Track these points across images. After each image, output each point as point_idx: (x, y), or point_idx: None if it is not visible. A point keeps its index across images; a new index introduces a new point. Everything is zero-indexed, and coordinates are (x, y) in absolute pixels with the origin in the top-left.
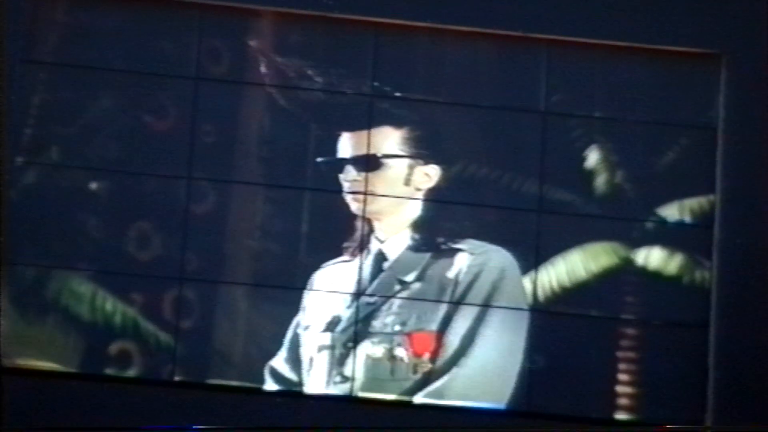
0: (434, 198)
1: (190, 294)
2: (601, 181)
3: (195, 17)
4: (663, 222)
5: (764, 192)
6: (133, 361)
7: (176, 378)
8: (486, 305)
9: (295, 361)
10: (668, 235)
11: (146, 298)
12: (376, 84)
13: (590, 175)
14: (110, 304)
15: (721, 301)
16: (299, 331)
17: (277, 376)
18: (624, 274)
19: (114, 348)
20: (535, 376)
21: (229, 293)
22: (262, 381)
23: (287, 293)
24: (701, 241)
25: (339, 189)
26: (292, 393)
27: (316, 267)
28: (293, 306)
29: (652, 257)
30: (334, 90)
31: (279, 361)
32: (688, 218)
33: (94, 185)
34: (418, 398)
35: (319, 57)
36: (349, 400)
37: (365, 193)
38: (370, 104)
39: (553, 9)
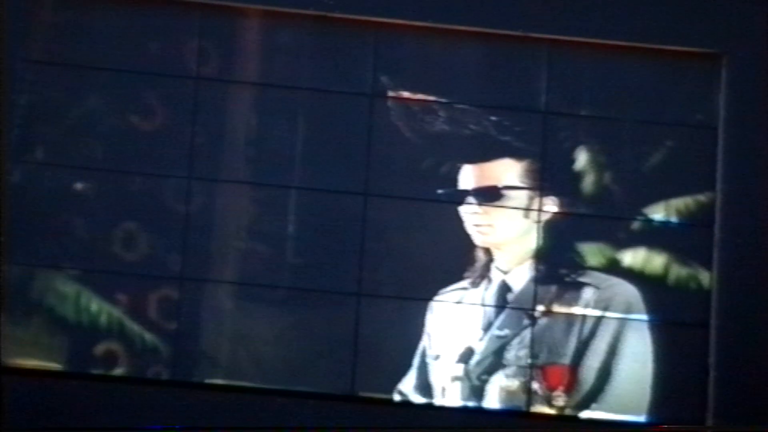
0: (554, 229)
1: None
2: (599, 182)
3: (195, 17)
4: (663, 222)
5: (765, 192)
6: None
7: (177, 378)
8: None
9: (425, 389)
10: (669, 235)
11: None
12: (376, 84)
13: (590, 175)
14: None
15: (721, 301)
16: (428, 360)
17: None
18: (625, 275)
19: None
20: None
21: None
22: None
23: (410, 320)
24: (701, 240)
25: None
26: (293, 393)
27: (435, 293)
28: (417, 331)
29: (652, 257)
30: (333, 90)
31: (408, 387)
32: (689, 218)
33: (96, 185)
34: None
35: (319, 57)
36: (350, 400)
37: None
38: (371, 104)
39: (555, 9)
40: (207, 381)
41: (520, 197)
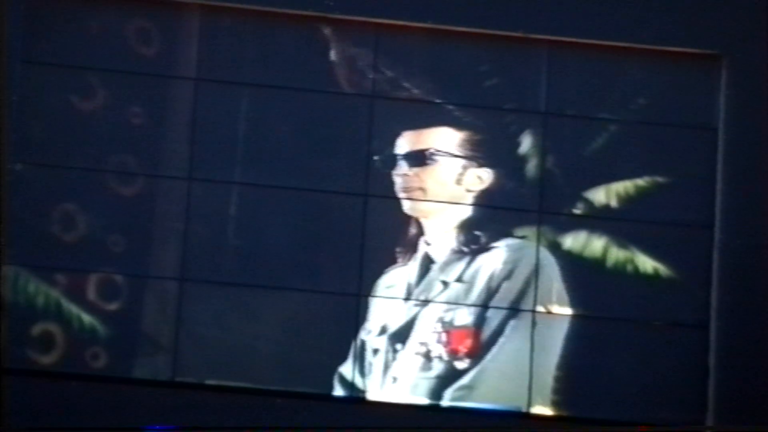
0: (482, 200)
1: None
2: (598, 182)
3: (195, 18)
4: (662, 223)
5: (764, 192)
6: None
7: (177, 379)
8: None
9: (361, 367)
10: (668, 236)
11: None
12: (376, 84)
13: (589, 175)
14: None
15: (721, 302)
16: (365, 337)
17: (345, 383)
18: (626, 275)
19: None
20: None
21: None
22: (330, 388)
23: (352, 301)
24: (702, 241)
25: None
26: (295, 394)
27: (378, 274)
28: (359, 314)
29: (651, 258)
30: (334, 91)
31: (348, 369)
32: (688, 219)
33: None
34: (447, 394)
35: (321, 57)
36: (353, 401)
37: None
38: (371, 104)
39: (555, 10)
40: (207, 382)
41: (454, 166)
